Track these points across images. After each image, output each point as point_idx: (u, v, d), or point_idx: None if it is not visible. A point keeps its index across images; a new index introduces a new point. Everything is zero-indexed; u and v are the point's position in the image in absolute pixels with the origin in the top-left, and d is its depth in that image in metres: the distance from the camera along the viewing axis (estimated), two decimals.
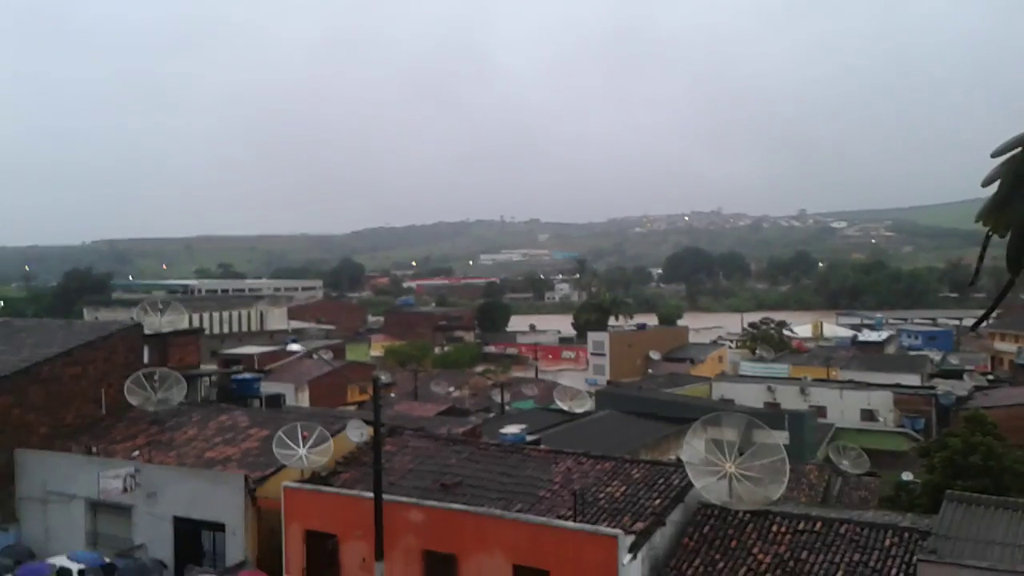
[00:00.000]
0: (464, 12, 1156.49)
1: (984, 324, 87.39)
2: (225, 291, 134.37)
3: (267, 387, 56.38)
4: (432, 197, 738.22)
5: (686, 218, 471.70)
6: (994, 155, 2.88)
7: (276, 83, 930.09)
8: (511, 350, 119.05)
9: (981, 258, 3.14)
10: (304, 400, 61.38)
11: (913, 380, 66.07)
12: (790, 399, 59.21)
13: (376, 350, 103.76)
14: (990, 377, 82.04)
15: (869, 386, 61.77)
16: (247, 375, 46.48)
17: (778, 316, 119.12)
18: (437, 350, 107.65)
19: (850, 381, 65.28)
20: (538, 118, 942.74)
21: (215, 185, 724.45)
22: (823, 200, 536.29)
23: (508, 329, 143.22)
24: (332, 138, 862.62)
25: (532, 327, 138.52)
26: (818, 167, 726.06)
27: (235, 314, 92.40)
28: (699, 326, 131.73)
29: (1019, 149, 2.82)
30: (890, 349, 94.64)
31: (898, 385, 61.96)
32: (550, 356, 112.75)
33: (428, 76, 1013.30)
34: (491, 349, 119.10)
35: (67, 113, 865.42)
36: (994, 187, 2.89)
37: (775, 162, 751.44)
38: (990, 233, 2.91)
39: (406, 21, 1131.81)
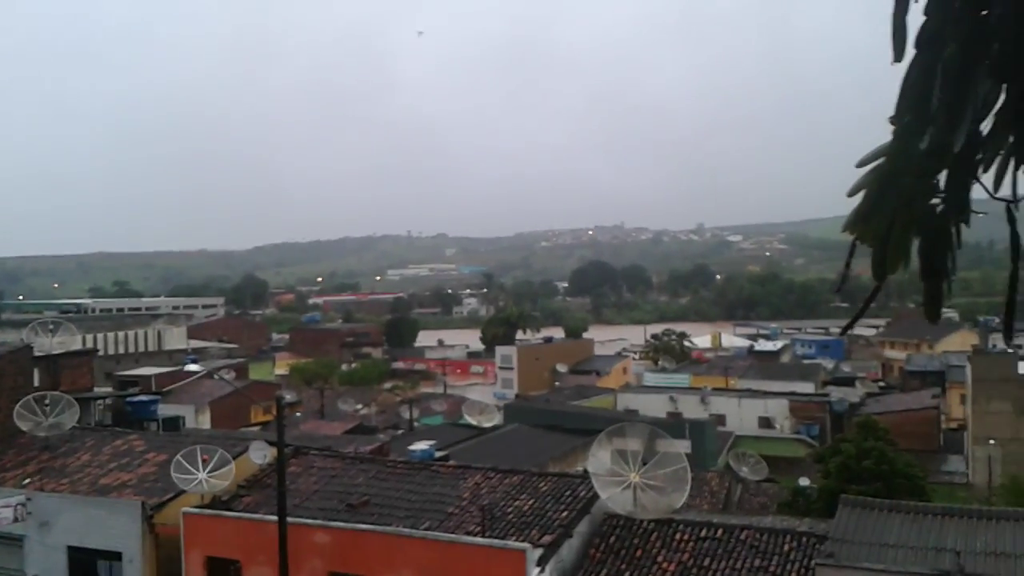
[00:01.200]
0: (363, 25, 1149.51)
1: (852, 329, 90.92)
2: (120, 310, 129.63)
3: (165, 409, 54.37)
4: (337, 212, 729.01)
5: (590, 232, 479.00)
6: (859, 165, 3.03)
7: (169, 95, 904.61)
8: (419, 366, 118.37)
9: (847, 266, 3.31)
10: (205, 422, 59.60)
11: (807, 388, 68.53)
12: (691, 408, 60.65)
13: (281, 368, 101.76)
14: (881, 384, 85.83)
15: (766, 394, 63.81)
16: (143, 397, 44.85)
17: (679, 327, 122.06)
18: (344, 367, 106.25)
19: (747, 390, 67.32)
20: (442, 133, 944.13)
21: (108, 200, 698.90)
22: (720, 215, 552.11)
23: (416, 345, 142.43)
24: (231, 151, 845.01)
25: (440, 342, 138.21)
26: (715, 183, 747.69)
27: (131, 334, 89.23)
28: (604, 338, 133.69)
29: (883, 160, 2.96)
30: (785, 358, 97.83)
31: (793, 393, 64.16)
32: (459, 371, 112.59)
33: (328, 88, 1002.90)
34: (399, 365, 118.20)
35: None
36: (860, 197, 3.05)
37: (674, 177, 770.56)
38: (856, 242, 3.07)
39: (303, 33, 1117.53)
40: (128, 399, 42.64)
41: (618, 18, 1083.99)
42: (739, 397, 63.07)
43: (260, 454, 23.86)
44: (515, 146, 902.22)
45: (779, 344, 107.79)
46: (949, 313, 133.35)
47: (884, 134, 2.95)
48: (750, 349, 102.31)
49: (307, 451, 27.21)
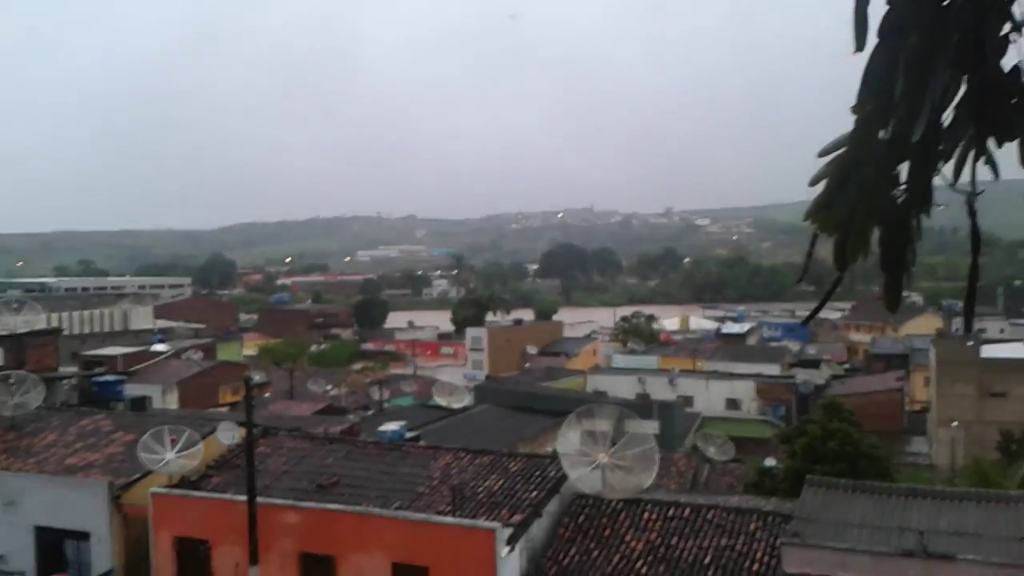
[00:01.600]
0: (328, 2, 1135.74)
1: (816, 316, 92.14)
2: (86, 289, 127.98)
3: (132, 389, 54.02)
4: (306, 192, 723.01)
5: (560, 215, 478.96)
6: (820, 155, 3.08)
7: (132, 71, 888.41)
8: (389, 347, 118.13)
9: (809, 255, 3.37)
10: (173, 402, 59.18)
11: (774, 370, 69.34)
12: (660, 390, 61.11)
13: (249, 349, 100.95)
14: (846, 366, 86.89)
15: (732, 376, 64.48)
16: (110, 377, 44.45)
17: (648, 310, 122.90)
18: (313, 348, 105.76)
19: (715, 372, 68.01)
20: (412, 114, 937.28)
21: (72, 178, 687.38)
22: (688, 198, 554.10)
23: (386, 326, 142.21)
24: (197, 130, 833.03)
25: (410, 323, 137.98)
26: (683, 166, 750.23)
27: (97, 313, 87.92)
28: (574, 320, 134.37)
29: (844, 149, 3.02)
30: (752, 340, 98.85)
31: (759, 375, 64.88)
32: (429, 352, 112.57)
33: (295, 67, 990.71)
34: (369, 346, 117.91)
35: None
36: (821, 186, 3.12)
37: (643, 161, 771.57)
38: (817, 232, 3.14)
39: (268, 10, 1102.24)
40: (94, 379, 42.29)
41: (587, 2, 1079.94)
42: (706, 379, 63.67)
43: (229, 434, 23.80)
44: (486, 129, 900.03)
45: (746, 327, 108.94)
46: (913, 297, 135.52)
47: (847, 120, 3.01)
48: (717, 331, 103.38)
49: (276, 431, 27.16)
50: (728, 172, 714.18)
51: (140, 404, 43.69)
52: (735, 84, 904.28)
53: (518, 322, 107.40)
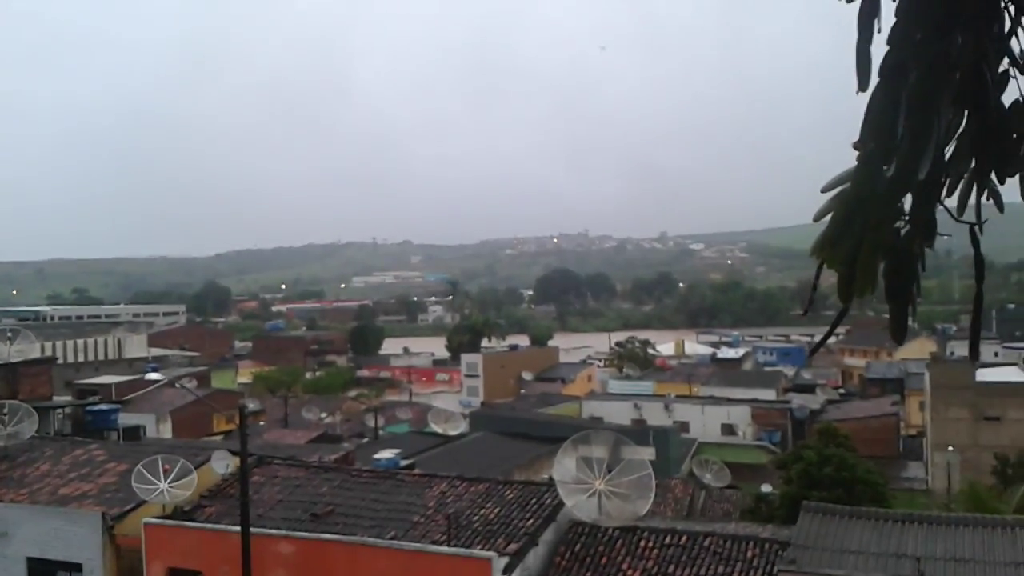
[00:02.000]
0: (323, 28, 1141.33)
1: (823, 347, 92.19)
2: (80, 317, 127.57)
3: (126, 419, 53.76)
4: (301, 218, 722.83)
5: (555, 240, 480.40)
6: (824, 190, 3.11)
7: (125, 98, 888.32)
8: (385, 373, 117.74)
9: (814, 288, 3.39)
10: (167, 431, 58.91)
11: (769, 395, 69.24)
12: (655, 415, 61.00)
13: (244, 377, 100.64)
14: (841, 391, 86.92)
15: (728, 401, 64.40)
16: (103, 406, 44.20)
17: (643, 335, 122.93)
18: (308, 375, 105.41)
19: (710, 397, 67.94)
20: (406, 140, 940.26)
21: (66, 206, 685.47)
22: (683, 223, 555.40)
23: (382, 352, 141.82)
24: (191, 157, 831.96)
25: (406, 350, 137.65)
26: (678, 191, 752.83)
27: (91, 342, 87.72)
28: (569, 346, 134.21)
29: (848, 185, 3.04)
30: (747, 365, 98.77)
31: (755, 400, 64.79)
32: (424, 379, 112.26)
33: (290, 94, 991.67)
34: (364, 373, 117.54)
35: None
36: (826, 222, 3.13)
37: (637, 186, 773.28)
38: (822, 267, 3.15)
39: (263, 38, 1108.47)
40: (88, 408, 42.03)
41: (579, 27, 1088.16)
42: (702, 404, 63.57)
43: (222, 464, 23.62)
44: (479, 154, 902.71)
45: (741, 351, 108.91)
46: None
47: (840, 148, 3.02)
48: (713, 356, 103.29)
49: (270, 460, 26.99)
50: (722, 197, 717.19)
51: (134, 433, 43.53)
52: (728, 110, 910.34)
53: (513, 347, 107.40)
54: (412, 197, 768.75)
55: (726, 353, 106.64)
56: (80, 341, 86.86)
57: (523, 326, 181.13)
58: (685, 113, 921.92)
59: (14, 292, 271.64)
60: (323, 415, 72.11)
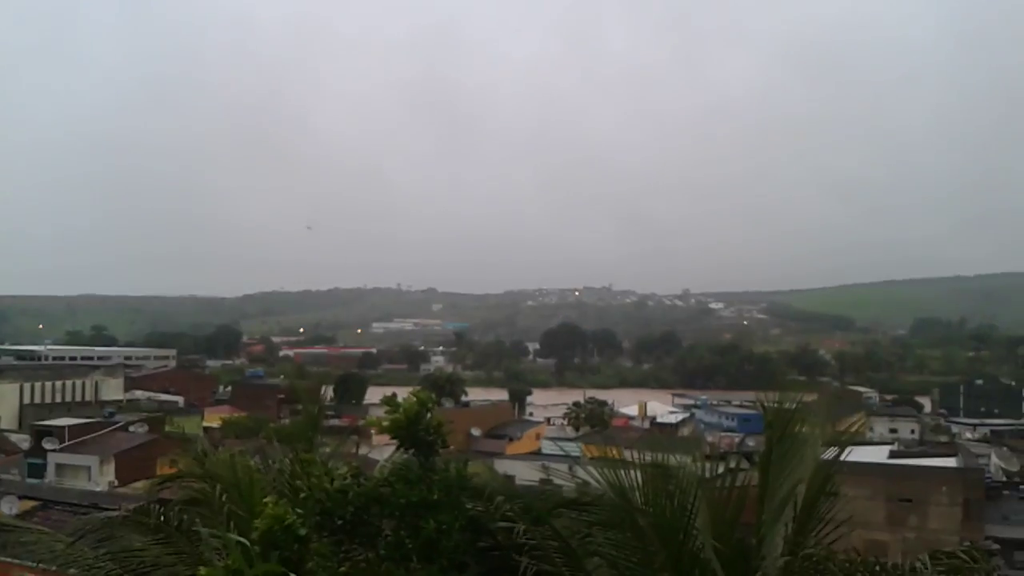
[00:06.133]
0: (362, 95, 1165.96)
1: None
2: (73, 358, 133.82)
3: (72, 459, 61.12)
4: (329, 263, 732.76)
5: (576, 293, 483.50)
6: None
7: (161, 134, 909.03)
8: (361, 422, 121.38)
9: None
10: (110, 473, 64.10)
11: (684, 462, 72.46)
12: (561, 476, 64.49)
13: (214, 422, 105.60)
14: None
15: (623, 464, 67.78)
16: None
17: (640, 393, 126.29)
18: (273, 424, 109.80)
19: (620, 461, 71.32)
20: (437, 189, 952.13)
21: (99, 243, 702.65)
22: (707, 281, 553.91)
23: (366, 402, 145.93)
24: (226, 198, 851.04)
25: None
26: (706, 249, 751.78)
27: (69, 384, 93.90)
28: (549, 402, 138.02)
29: None
30: (686, 430, 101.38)
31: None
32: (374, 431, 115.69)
33: (316, 140, 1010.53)
34: (336, 422, 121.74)
35: None
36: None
37: (662, 242, 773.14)
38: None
39: (298, 92, 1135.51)
40: None
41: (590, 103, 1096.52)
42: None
43: (9, 506, 28.22)
44: (506, 206, 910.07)
45: (680, 416, 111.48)
46: (869, 393, 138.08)
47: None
48: (652, 420, 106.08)
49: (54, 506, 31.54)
50: (750, 256, 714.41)
51: None
52: (763, 172, 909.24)
53: (464, 404, 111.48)
54: (439, 246, 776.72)
55: (665, 418, 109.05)
56: (59, 383, 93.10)
57: (519, 380, 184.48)
58: (711, 174, 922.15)
59: (40, 326, 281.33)
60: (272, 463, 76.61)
